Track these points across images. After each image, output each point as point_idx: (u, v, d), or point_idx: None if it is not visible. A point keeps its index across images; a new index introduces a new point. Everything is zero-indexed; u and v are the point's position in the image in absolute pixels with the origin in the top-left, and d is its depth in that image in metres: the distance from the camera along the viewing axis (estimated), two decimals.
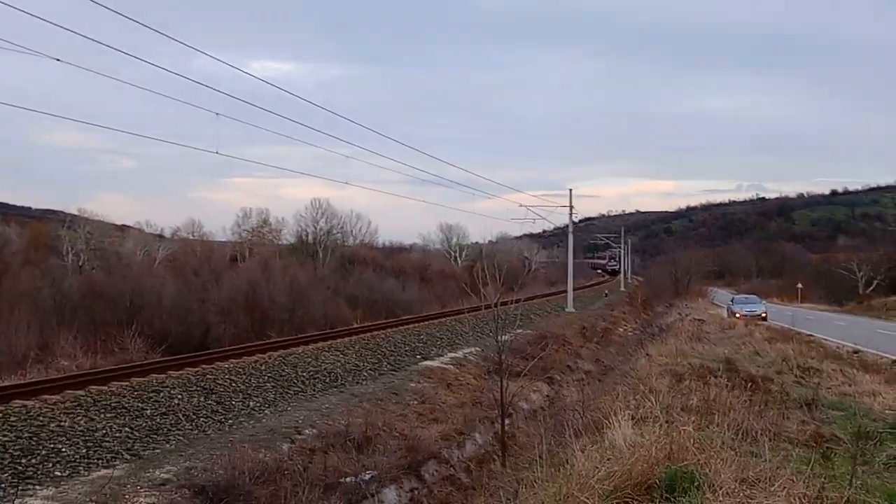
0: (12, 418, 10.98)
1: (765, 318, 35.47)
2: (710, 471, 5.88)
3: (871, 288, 62.25)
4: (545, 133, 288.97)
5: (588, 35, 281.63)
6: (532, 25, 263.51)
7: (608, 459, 6.29)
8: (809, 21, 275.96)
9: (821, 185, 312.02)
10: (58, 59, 13.85)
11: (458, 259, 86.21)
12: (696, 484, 5.64)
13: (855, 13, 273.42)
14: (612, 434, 6.97)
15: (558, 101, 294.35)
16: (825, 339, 24.96)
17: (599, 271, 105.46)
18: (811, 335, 25.47)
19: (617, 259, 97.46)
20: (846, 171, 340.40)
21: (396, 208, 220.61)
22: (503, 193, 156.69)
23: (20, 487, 9.27)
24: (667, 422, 7.20)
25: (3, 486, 9.35)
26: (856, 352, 20.79)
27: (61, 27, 12.47)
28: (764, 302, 43.88)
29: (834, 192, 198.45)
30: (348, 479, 10.47)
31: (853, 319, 40.72)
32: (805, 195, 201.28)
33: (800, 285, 66.42)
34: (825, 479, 5.99)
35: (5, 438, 10.39)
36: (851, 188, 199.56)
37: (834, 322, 37.28)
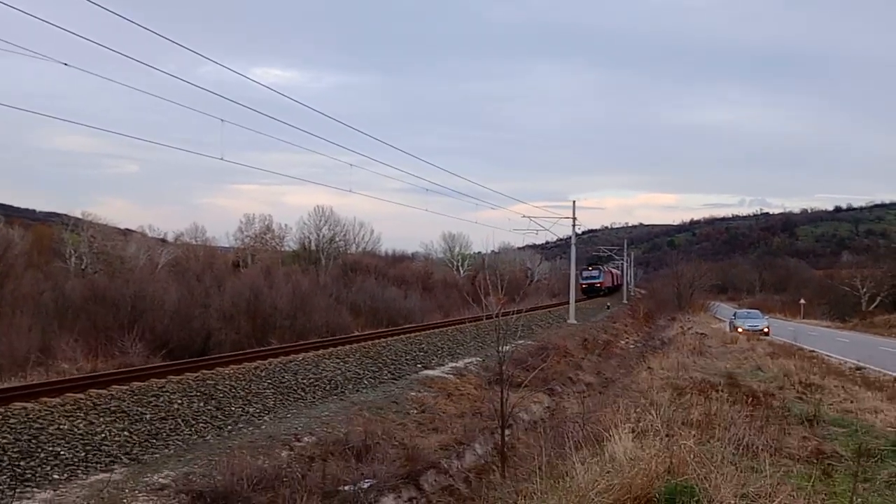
0: (12, 420, 10.97)
1: (767, 334, 35.42)
2: (710, 485, 5.86)
3: (875, 305, 62.20)
4: (547, 144, 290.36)
5: (589, 48, 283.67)
6: (533, 38, 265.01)
7: (608, 472, 6.27)
8: (810, 38, 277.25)
9: (821, 201, 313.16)
10: (65, 64, 14.01)
11: (461, 269, 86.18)
12: (695, 499, 5.62)
13: (855, 31, 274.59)
14: (612, 447, 6.95)
15: (560, 112, 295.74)
16: (827, 356, 24.91)
17: (585, 285, 70.75)
18: (813, 351, 25.44)
19: (601, 271, 75.30)
20: (846, 187, 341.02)
21: (399, 217, 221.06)
22: (506, 204, 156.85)
23: (18, 490, 9.26)
24: (667, 436, 7.18)
25: (1, 488, 9.33)
26: (858, 368, 20.77)
27: (68, 31, 12.58)
28: (766, 317, 43.91)
29: (838, 209, 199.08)
30: (347, 488, 10.43)
31: (856, 336, 40.65)
32: (808, 211, 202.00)
33: (802, 301, 66.41)
34: (826, 495, 5.98)
35: (4, 440, 10.38)
36: (855, 205, 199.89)
37: (836, 338, 37.23)
